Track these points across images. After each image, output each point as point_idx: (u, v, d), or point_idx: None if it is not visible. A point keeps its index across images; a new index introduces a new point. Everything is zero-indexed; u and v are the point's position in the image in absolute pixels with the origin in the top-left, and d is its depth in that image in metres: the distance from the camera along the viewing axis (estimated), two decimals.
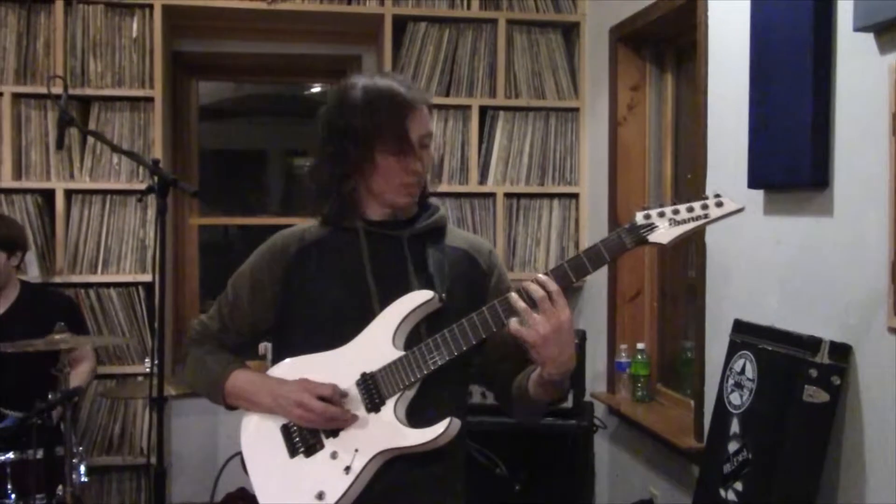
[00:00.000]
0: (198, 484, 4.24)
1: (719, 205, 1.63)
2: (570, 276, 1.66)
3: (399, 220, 1.89)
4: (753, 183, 2.63)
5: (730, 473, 2.47)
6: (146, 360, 3.54)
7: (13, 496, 3.00)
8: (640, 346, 3.80)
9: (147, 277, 3.94)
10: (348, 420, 1.77)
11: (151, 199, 3.90)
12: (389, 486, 1.77)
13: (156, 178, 2.47)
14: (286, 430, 1.84)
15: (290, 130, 5.23)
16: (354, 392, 1.79)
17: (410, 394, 1.77)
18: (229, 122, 5.12)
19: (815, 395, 2.24)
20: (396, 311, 1.78)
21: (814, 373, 2.24)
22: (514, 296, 1.66)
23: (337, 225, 1.88)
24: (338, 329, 1.81)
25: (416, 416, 1.77)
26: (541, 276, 1.65)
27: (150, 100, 3.95)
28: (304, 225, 1.95)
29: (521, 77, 4.27)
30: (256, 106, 5.13)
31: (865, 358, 2.21)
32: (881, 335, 2.13)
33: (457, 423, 1.75)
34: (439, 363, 1.73)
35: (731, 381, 2.58)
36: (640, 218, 1.65)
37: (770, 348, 2.43)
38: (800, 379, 2.25)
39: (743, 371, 2.53)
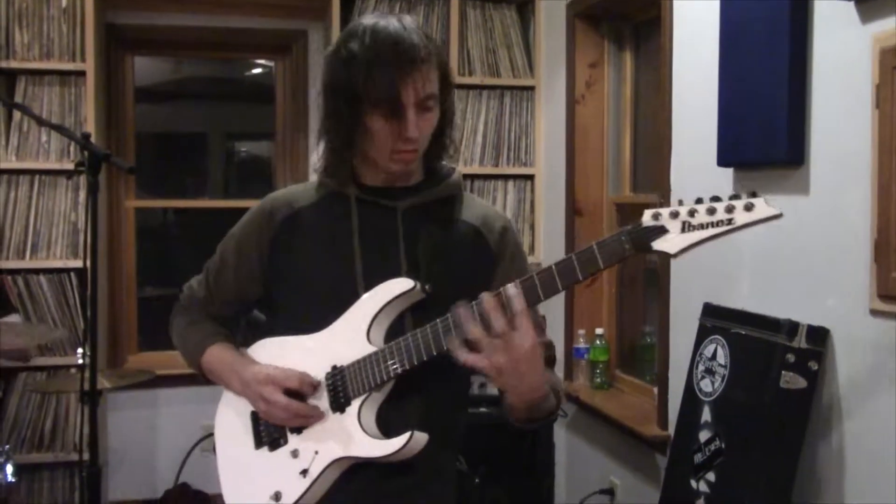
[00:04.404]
0: (136, 480, 4.08)
1: (749, 208, 1.25)
2: (556, 284, 1.37)
3: (398, 188, 1.65)
4: (723, 161, 2.52)
5: (702, 463, 2.36)
6: (79, 350, 3.31)
7: None
8: (598, 331, 3.69)
9: (79, 263, 3.71)
10: (314, 417, 1.59)
11: (83, 180, 3.79)
12: (353, 497, 1.59)
13: (86, 154, 2.27)
14: (255, 419, 1.68)
15: (230, 113, 5.06)
16: (323, 387, 1.60)
17: (380, 396, 1.57)
18: (169, 105, 4.91)
19: (791, 380, 2.15)
20: (373, 299, 1.57)
21: (791, 358, 2.14)
22: (463, 313, 1.39)
23: (330, 188, 1.67)
24: (320, 310, 1.61)
25: (386, 422, 1.58)
26: (511, 289, 1.37)
27: (81, 74, 3.70)
28: (299, 186, 1.75)
29: (474, 54, 4.12)
30: (196, 88, 4.93)
31: (844, 342, 2.13)
32: (862, 318, 2.04)
33: (421, 437, 1.53)
34: (399, 371, 1.52)
35: (701, 368, 2.48)
36: (647, 218, 1.32)
37: (744, 332, 2.32)
38: (776, 364, 2.15)
39: (714, 356, 2.42)
